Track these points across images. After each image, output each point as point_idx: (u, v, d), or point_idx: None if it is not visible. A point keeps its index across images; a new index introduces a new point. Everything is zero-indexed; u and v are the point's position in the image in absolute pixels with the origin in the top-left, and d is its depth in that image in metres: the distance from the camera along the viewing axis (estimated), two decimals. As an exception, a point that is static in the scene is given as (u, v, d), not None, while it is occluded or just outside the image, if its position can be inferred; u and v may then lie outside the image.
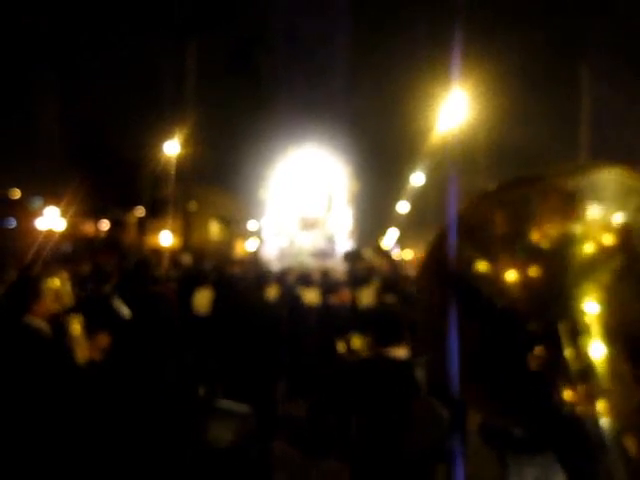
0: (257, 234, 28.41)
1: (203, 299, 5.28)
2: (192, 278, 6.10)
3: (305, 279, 6.41)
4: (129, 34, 19.57)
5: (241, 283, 6.15)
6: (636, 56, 13.88)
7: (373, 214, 29.63)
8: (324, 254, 17.42)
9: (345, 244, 18.80)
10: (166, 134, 21.82)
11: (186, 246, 21.57)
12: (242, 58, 21.00)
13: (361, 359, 3.50)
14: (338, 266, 13.71)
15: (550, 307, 0.79)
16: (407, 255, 38.31)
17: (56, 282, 3.13)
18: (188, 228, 26.68)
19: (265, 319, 4.85)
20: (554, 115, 15.71)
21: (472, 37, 13.37)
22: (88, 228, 33.24)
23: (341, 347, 3.75)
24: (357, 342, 3.64)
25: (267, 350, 4.76)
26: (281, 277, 6.86)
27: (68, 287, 3.24)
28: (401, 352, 3.04)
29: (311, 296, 5.66)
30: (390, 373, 2.98)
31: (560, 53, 15.20)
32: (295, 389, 5.63)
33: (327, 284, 6.77)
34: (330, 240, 18.49)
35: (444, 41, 12.83)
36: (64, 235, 27.76)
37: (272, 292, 5.65)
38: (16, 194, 31.35)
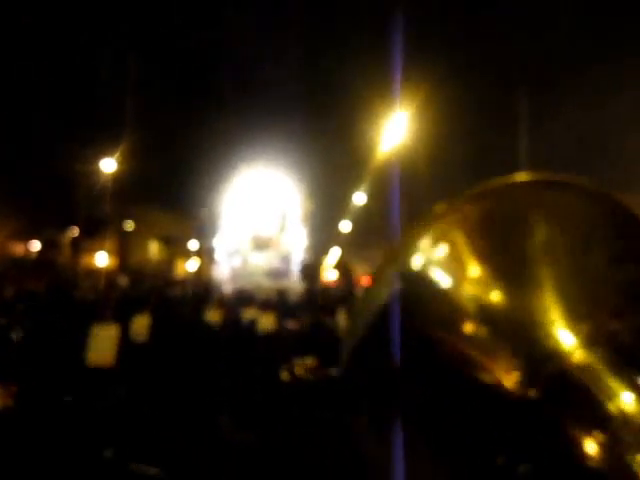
0: (198, 254, 27.73)
1: (141, 325, 4.86)
2: (128, 303, 5.66)
3: (246, 299, 6.02)
4: (67, 40, 18.81)
5: (180, 306, 5.71)
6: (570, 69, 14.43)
7: (326, 233, 29.65)
8: (279, 273, 17.00)
9: (300, 262, 18.53)
10: (104, 149, 21.05)
11: (123, 267, 20.71)
12: (190, 74, 20.57)
13: (302, 383, 3.35)
14: (294, 285, 13.44)
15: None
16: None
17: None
18: (125, 248, 25.76)
19: (205, 345, 4.51)
20: (493, 131, 16.10)
21: (415, 57, 13.52)
22: (17, 248, 31.71)
23: (284, 375, 3.57)
24: (299, 368, 3.47)
25: (207, 379, 4.41)
26: (226, 299, 6.49)
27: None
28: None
29: (267, 321, 5.30)
30: (328, 393, 2.88)
31: (499, 70, 15.61)
32: (240, 420, 5.28)
33: (284, 307, 6.40)
34: (285, 259, 18.10)
35: (388, 62, 12.91)
36: (-8, 256, 26.31)
37: (215, 315, 5.30)
38: (-62, 213, 29.58)
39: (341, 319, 5.24)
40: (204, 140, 21.10)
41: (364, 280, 28.86)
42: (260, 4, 19.04)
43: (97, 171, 22.20)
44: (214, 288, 12.18)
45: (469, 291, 0.69)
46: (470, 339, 0.68)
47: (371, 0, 16.87)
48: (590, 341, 0.66)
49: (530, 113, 13.39)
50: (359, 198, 29.68)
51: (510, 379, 0.66)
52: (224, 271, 17.49)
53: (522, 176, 0.69)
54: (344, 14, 19.00)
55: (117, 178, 21.46)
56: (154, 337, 4.63)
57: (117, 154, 20.60)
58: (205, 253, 22.62)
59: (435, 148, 18.62)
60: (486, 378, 0.67)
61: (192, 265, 32.72)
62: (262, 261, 17.54)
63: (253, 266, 17.28)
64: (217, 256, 18.98)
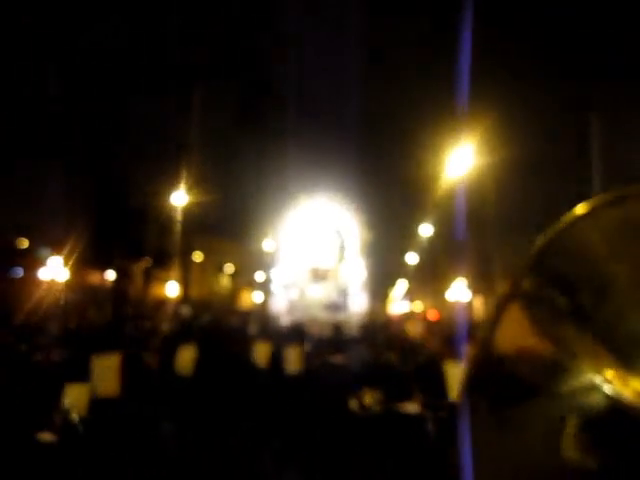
0: (264, 285, 28.00)
1: (186, 357, 4.81)
2: (179, 334, 5.65)
3: (297, 333, 5.86)
4: (137, 82, 19.76)
5: (229, 339, 5.63)
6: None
7: (384, 265, 29.29)
8: (336, 307, 16.77)
9: (358, 296, 18.20)
10: (173, 183, 21.79)
11: (186, 297, 21.15)
12: (252, 107, 21.10)
13: (373, 414, 3.30)
14: (351, 319, 13.22)
15: None
16: (416, 307, 37.78)
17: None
18: (191, 279, 26.33)
19: (249, 382, 4.38)
20: (565, 167, 15.49)
21: (481, 86, 13.28)
22: (94, 278, 33.09)
23: (353, 404, 3.53)
24: (369, 398, 3.44)
25: (255, 416, 4.28)
26: (275, 333, 6.36)
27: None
28: (411, 407, 3.02)
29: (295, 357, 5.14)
30: (402, 428, 2.94)
31: (570, 104, 15.09)
32: (289, 452, 5.09)
33: (339, 341, 6.21)
34: (342, 292, 17.84)
35: (453, 90, 12.74)
36: (69, 285, 27.58)
37: (262, 349, 5.18)
38: (24, 243, 31.37)
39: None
40: (268, 172, 21.50)
41: (430, 314, 28.16)
42: (323, 37, 19.40)
43: (168, 204, 22.96)
44: (270, 321, 12.13)
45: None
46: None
47: (435, 28, 16.82)
48: None
49: (603, 140, 12.81)
50: (426, 230, 29.26)
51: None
52: (281, 303, 17.42)
53: None
54: (407, 43, 19.03)
55: (187, 210, 22.13)
56: (199, 371, 4.56)
57: (187, 187, 21.26)
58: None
59: (503, 179, 18.12)
60: None
61: (258, 296, 33.05)
62: (319, 293, 17.34)
63: (310, 298, 17.11)
64: (275, 288, 18.96)
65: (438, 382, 3.07)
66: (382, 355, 5.37)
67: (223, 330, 6.50)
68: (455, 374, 3.28)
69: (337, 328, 8.06)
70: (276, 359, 5.08)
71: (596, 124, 12.82)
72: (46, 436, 2.51)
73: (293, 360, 4.90)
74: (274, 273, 19.50)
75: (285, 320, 12.55)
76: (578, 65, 15.10)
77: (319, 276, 17.83)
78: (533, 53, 15.87)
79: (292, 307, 17.05)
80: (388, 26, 20.03)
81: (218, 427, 4.29)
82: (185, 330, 6.49)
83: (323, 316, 14.72)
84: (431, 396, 3.11)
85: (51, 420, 2.94)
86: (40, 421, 2.53)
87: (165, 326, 8.15)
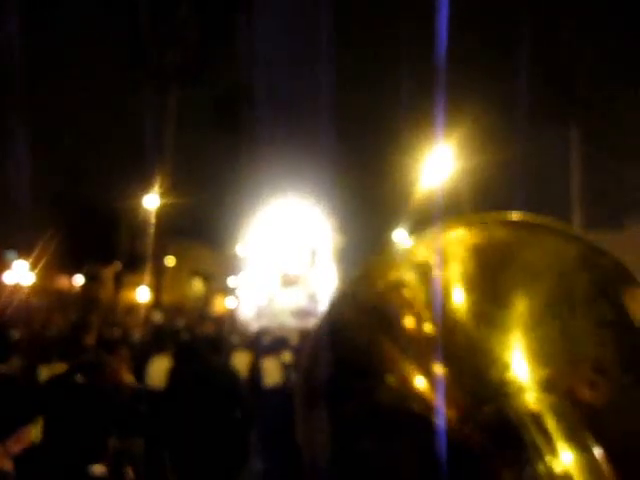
0: (236, 291, 27.57)
1: (160, 368, 4.43)
2: (151, 342, 5.27)
3: (279, 344, 5.42)
4: (109, 81, 19.23)
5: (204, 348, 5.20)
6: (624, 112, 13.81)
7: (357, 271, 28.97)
8: (306, 313, 16.20)
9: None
10: (144, 186, 21.24)
11: (158, 303, 20.58)
12: (223, 109, 20.70)
13: None
14: None
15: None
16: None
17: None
18: (163, 284, 25.74)
19: (227, 394, 4.01)
20: (543, 171, 15.46)
21: (458, 88, 13.13)
22: (62, 282, 32.27)
23: None
24: None
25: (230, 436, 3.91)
26: (254, 341, 5.98)
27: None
28: None
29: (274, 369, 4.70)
30: None
31: (549, 107, 15.09)
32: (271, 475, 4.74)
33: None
34: (313, 298, 17.27)
35: (429, 92, 12.56)
36: (35, 289, 26.79)
37: (242, 359, 4.83)
38: (-12, 246, 30.44)
39: None
40: (240, 174, 21.09)
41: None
42: (293, 33, 19.14)
43: (139, 207, 22.38)
44: (238, 328, 11.73)
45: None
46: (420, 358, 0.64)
47: (411, 28, 16.70)
48: (546, 387, 0.61)
49: (582, 143, 12.78)
50: (399, 236, 29.14)
51: (451, 413, 0.61)
52: (250, 309, 16.92)
53: (514, 215, 0.67)
54: (382, 42, 18.88)
55: (158, 214, 21.57)
56: (173, 383, 4.17)
57: (159, 190, 20.72)
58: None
59: (481, 183, 18.03)
60: (422, 409, 0.62)
61: (231, 302, 32.57)
62: (289, 300, 16.86)
63: (279, 305, 16.63)
64: (243, 293, 18.46)
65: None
66: None
67: (199, 338, 6.14)
68: None
69: (306, 336, 7.57)
70: (255, 370, 4.72)
71: (576, 130, 12.80)
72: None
73: (272, 372, 4.51)
74: (243, 277, 18.96)
75: (253, 327, 12.10)
76: (560, 69, 15.12)
77: (289, 281, 17.34)
78: (513, 55, 15.84)
79: (260, 314, 16.50)
80: (362, 24, 19.90)
81: (194, 445, 3.93)
82: (157, 338, 6.11)
83: (292, 323, 14.24)
84: None
85: None
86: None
87: (136, 333, 7.72)
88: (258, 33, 17.95)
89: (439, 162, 15.70)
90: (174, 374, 4.16)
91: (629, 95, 14.09)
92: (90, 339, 4.42)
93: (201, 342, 5.05)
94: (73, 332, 4.66)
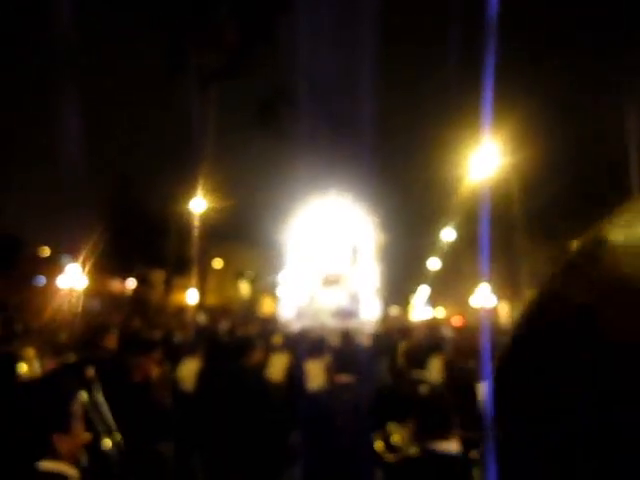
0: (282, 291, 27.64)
1: (189, 370, 4.35)
2: (189, 343, 5.21)
3: (317, 347, 5.20)
4: (156, 88, 19.57)
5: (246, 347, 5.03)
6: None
7: (402, 270, 28.52)
8: (347, 314, 15.90)
9: (371, 303, 17.38)
10: (190, 189, 21.49)
11: (202, 305, 20.75)
12: (264, 110, 20.75)
13: (405, 458, 2.63)
14: (363, 327, 12.53)
15: None
16: (439, 313, 37.02)
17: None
18: (210, 286, 26.02)
19: (255, 401, 3.88)
20: (597, 167, 14.79)
21: (505, 85, 12.69)
22: (115, 286, 33.14)
23: (379, 445, 2.82)
24: (397, 436, 2.72)
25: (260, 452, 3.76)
26: (294, 342, 5.79)
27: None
28: (452, 445, 2.39)
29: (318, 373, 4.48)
30: (442, 473, 2.37)
31: (598, 100, 14.45)
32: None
33: (348, 353, 5.25)
34: (354, 298, 16.96)
35: (475, 89, 12.19)
36: (90, 293, 27.55)
37: (279, 364, 4.70)
38: (45, 252, 31.52)
39: (433, 372, 4.28)
40: (282, 174, 21.08)
41: (455, 321, 27.46)
42: (335, 32, 18.97)
43: (187, 210, 22.67)
44: (278, 328, 11.62)
45: None
46: None
47: (458, 26, 16.29)
48: None
49: (633, 142, 12.13)
50: (448, 234, 28.58)
51: None
52: (290, 309, 16.76)
53: None
54: (427, 38, 18.52)
55: (204, 217, 21.79)
56: (202, 386, 4.08)
57: (205, 193, 20.92)
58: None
59: (531, 180, 17.43)
60: None
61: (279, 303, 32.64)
62: (330, 299, 16.58)
63: (320, 305, 16.37)
64: (284, 293, 18.30)
65: (477, 410, 2.53)
66: (406, 374, 4.59)
67: (235, 339, 6.04)
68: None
69: (346, 336, 7.34)
70: (295, 373, 4.56)
71: (633, 124, 12.16)
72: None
73: (316, 376, 4.31)
74: (284, 277, 18.80)
75: (294, 327, 11.96)
76: (612, 63, 14.45)
77: (330, 281, 17.04)
78: (563, 51, 15.27)
79: (300, 314, 16.29)
80: (408, 21, 19.59)
81: (224, 449, 3.82)
82: (195, 339, 6.06)
83: (332, 323, 13.98)
84: (473, 429, 2.51)
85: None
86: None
87: (178, 335, 7.73)
88: (299, 32, 17.89)
89: (485, 158, 15.23)
90: (202, 376, 4.07)
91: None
92: (111, 341, 4.39)
93: (235, 344, 4.95)
94: (91, 335, 4.65)
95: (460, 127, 15.27)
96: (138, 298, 31.48)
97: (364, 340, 8.28)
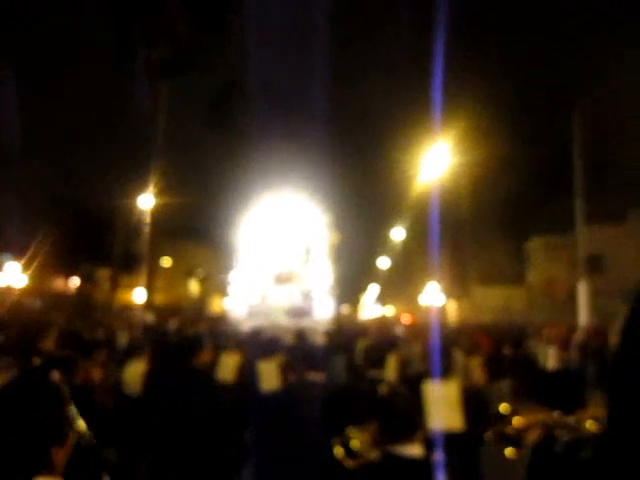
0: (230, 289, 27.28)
1: (135, 372, 4.14)
2: (134, 344, 4.99)
3: (272, 345, 5.07)
4: (101, 80, 18.92)
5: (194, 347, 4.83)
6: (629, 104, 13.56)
7: (355, 269, 28.64)
8: (301, 312, 15.78)
9: (324, 301, 17.33)
10: (139, 186, 20.91)
11: (150, 303, 20.25)
12: (216, 106, 20.39)
13: (366, 463, 2.49)
14: (316, 325, 12.46)
15: None
16: (388, 311, 37.47)
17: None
18: (158, 284, 25.44)
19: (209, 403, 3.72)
20: (545, 168, 15.18)
21: (458, 85, 12.87)
22: (58, 284, 32.03)
23: (338, 450, 2.66)
24: (357, 440, 2.58)
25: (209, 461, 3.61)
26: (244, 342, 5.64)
27: None
28: (415, 449, 2.29)
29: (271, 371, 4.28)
30: (405, 478, 2.29)
31: (550, 101, 14.81)
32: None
33: (304, 351, 5.10)
34: (307, 296, 16.84)
35: (427, 89, 12.30)
36: (31, 292, 26.52)
37: (231, 361, 4.54)
38: (-18, 250, 30.17)
39: (391, 371, 4.18)
40: (234, 171, 20.79)
41: (404, 319, 27.78)
42: (288, 29, 18.84)
43: (134, 207, 22.05)
44: (230, 327, 11.45)
45: None
46: None
47: (410, 25, 16.44)
48: None
49: (583, 141, 12.49)
50: (398, 233, 28.90)
51: None
52: (242, 308, 16.53)
53: None
54: (382, 37, 18.61)
55: (154, 214, 21.24)
56: (148, 387, 3.89)
57: (154, 190, 20.37)
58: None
59: (479, 180, 17.74)
60: None
61: (228, 302, 32.27)
62: (282, 298, 16.45)
63: (272, 303, 16.22)
64: (235, 291, 18.05)
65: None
66: (365, 373, 4.47)
67: (184, 338, 5.85)
68: (436, 399, 2.63)
69: (301, 335, 7.29)
70: (247, 374, 4.40)
71: (576, 124, 12.52)
72: None
73: (269, 376, 4.15)
74: (235, 275, 18.50)
75: (245, 326, 11.76)
76: (558, 64, 14.86)
77: (282, 279, 16.88)
78: (512, 50, 15.60)
79: (253, 312, 16.06)
80: (360, 20, 19.66)
81: (171, 455, 3.65)
82: (142, 340, 5.82)
83: (286, 322, 13.85)
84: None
85: None
86: None
87: (123, 336, 7.43)
88: (251, 29, 17.66)
89: (436, 158, 15.41)
90: (149, 378, 3.89)
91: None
92: (49, 342, 4.14)
93: (183, 343, 4.77)
94: (28, 336, 4.38)
95: (412, 128, 15.42)
96: (82, 297, 30.51)
97: (318, 339, 8.20)
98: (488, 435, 2.13)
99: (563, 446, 1.89)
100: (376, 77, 19.03)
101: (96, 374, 3.79)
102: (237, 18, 18.58)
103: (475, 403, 2.66)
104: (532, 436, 2.06)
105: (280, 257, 16.99)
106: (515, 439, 2.07)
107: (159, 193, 20.36)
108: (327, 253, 17.43)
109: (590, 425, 2.01)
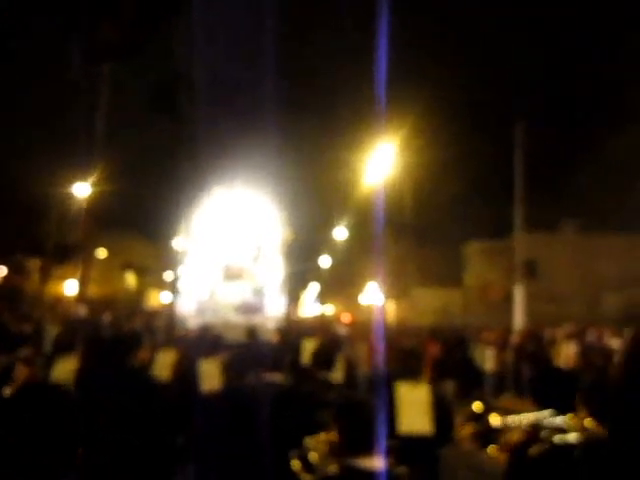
0: (173, 285, 26.67)
1: (65, 368, 3.87)
2: (64, 339, 4.69)
3: (211, 341, 4.86)
4: (38, 56, 17.96)
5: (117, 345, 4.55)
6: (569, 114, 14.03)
7: (298, 266, 28.57)
8: (251, 308, 15.48)
9: (275, 298, 17.07)
10: (75, 173, 20.03)
11: (83, 296, 19.48)
12: (161, 94, 19.81)
13: (324, 477, 2.33)
14: (267, 322, 12.28)
15: None
16: (328, 310, 37.61)
17: None
18: (93, 276, 24.52)
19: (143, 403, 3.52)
20: (484, 171, 15.53)
21: (403, 87, 12.95)
22: (-18, 273, 30.48)
23: (294, 463, 2.48)
24: (315, 453, 2.40)
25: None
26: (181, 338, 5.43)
27: None
28: (376, 461, 2.17)
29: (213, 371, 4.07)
30: None
31: (493, 107, 15.15)
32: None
33: (256, 350, 4.83)
34: (258, 293, 16.53)
35: (375, 89, 12.32)
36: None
37: (168, 359, 4.32)
38: None
39: (339, 372, 4.03)
40: (180, 163, 20.24)
41: (343, 317, 27.92)
42: (237, 19, 18.49)
43: (69, 195, 21.16)
44: (176, 323, 11.15)
45: None
46: None
47: (356, 24, 16.46)
48: None
49: (526, 146, 12.84)
50: (340, 233, 29.02)
51: None
52: (190, 304, 16.10)
53: None
54: (329, 37, 18.58)
55: (90, 203, 20.40)
56: (79, 387, 3.64)
57: (91, 178, 19.56)
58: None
59: (422, 183, 17.99)
60: None
61: (166, 297, 31.52)
62: (233, 294, 16.14)
63: (222, 299, 15.89)
64: (183, 287, 17.60)
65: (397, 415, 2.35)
66: (315, 375, 4.27)
67: (119, 334, 5.55)
68: (412, 402, 2.54)
69: (252, 332, 7.19)
70: (186, 372, 4.18)
71: (518, 133, 12.85)
72: None
73: (211, 376, 3.95)
74: (183, 271, 18.02)
75: (193, 323, 11.46)
76: (501, 67, 15.19)
77: (233, 275, 16.53)
78: (454, 53, 15.83)
79: (201, 308, 15.63)
80: (307, 17, 19.56)
81: (103, 458, 3.43)
82: (72, 334, 5.50)
83: (236, 318, 13.59)
84: (399, 438, 2.30)
85: None
86: None
87: (52, 329, 7.03)
88: (201, 17, 17.18)
89: (381, 159, 15.52)
90: (80, 376, 3.64)
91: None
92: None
93: (119, 339, 4.51)
94: None
95: (361, 128, 15.45)
96: (10, 287, 29.08)
97: (269, 336, 8.03)
98: (461, 435, 2.04)
99: (548, 449, 1.84)
100: (325, 72, 19.00)
101: (21, 371, 3.51)
102: (187, 7, 18.10)
103: (439, 405, 2.59)
104: (515, 436, 2.00)
105: (230, 252, 16.65)
106: (492, 438, 2.00)
107: (97, 181, 19.58)
108: (279, 250, 17.21)
109: (577, 427, 1.96)
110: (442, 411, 2.45)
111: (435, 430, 2.38)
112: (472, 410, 2.10)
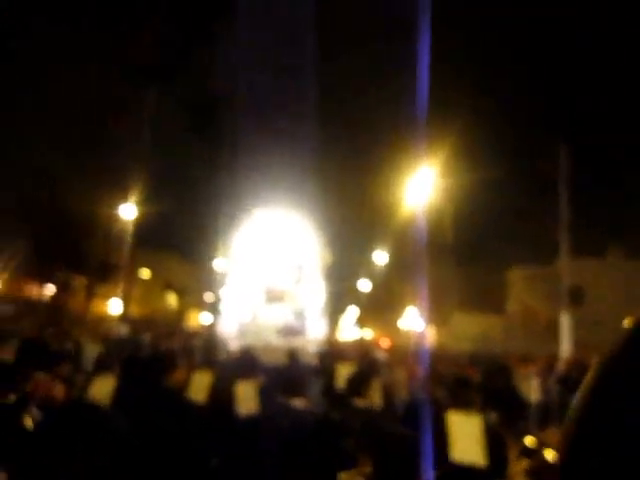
0: (213, 306, 26.85)
1: (103, 388, 3.87)
2: (104, 357, 4.73)
3: (247, 364, 4.81)
4: (87, 84, 18.61)
5: (167, 363, 4.51)
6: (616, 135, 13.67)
7: (339, 290, 28.45)
8: (292, 331, 15.40)
9: (316, 320, 16.96)
10: (120, 194, 20.57)
11: (126, 315, 19.80)
12: (202, 117, 20.23)
13: None
14: (308, 345, 12.19)
15: None
16: (366, 334, 37.21)
17: None
18: (135, 296, 24.99)
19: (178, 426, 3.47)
20: (528, 195, 15.21)
21: (444, 113, 12.88)
22: (32, 290, 31.37)
23: None
24: None
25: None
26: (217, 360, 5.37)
27: None
28: None
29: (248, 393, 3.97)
30: None
31: (536, 130, 14.90)
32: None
33: (293, 374, 4.60)
34: (299, 315, 16.46)
35: (415, 115, 12.27)
36: (2, 296, 25.86)
37: (203, 380, 4.28)
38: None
39: (375, 399, 3.85)
40: (222, 185, 20.52)
41: (382, 342, 27.56)
42: (277, 41, 18.73)
43: (114, 216, 21.72)
44: (216, 344, 11.14)
45: None
46: None
47: (398, 44, 16.48)
48: None
49: (568, 164, 12.56)
50: (380, 257, 28.78)
51: None
52: (231, 326, 16.10)
53: None
54: (368, 62, 18.66)
55: (136, 225, 20.91)
56: (116, 405, 3.63)
57: (137, 200, 20.06)
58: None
59: (463, 207, 17.74)
60: None
61: (206, 318, 31.75)
62: (274, 316, 16.07)
63: (263, 322, 15.84)
64: (223, 308, 17.64)
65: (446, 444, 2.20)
66: (349, 402, 4.07)
67: (156, 354, 5.58)
68: (464, 432, 2.39)
69: (293, 355, 7.10)
70: (221, 394, 4.11)
71: (564, 152, 12.57)
72: None
73: (246, 399, 3.85)
74: (224, 293, 18.11)
75: (234, 345, 11.45)
76: (546, 88, 14.94)
77: (274, 297, 16.49)
78: (498, 74, 15.64)
79: (243, 330, 15.62)
80: (345, 46, 19.74)
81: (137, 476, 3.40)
82: (112, 353, 5.54)
83: (277, 341, 13.52)
84: (450, 466, 2.15)
85: None
86: None
87: (92, 348, 7.11)
88: (239, 39, 17.55)
89: (421, 183, 15.39)
90: (115, 395, 3.63)
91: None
92: (6, 351, 3.86)
93: (156, 360, 4.51)
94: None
95: (400, 149, 15.38)
96: (56, 305, 29.84)
97: (310, 359, 7.95)
98: (515, 470, 1.91)
99: None
100: (366, 92, 19.07)
101: (59, 389, 3.53)
102: (225, 29, 18.51)
103: (492, 437, 2.44)
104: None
105: (271, 275, 16.65)
106: (548, 474, 1.87)
107: (142, 203, 20.05)
108: (320, 272, 17.14)
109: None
110: (495, 443, 2.31)
111: (488, 463, 2.23)
112: (524, 444, 1.97)
